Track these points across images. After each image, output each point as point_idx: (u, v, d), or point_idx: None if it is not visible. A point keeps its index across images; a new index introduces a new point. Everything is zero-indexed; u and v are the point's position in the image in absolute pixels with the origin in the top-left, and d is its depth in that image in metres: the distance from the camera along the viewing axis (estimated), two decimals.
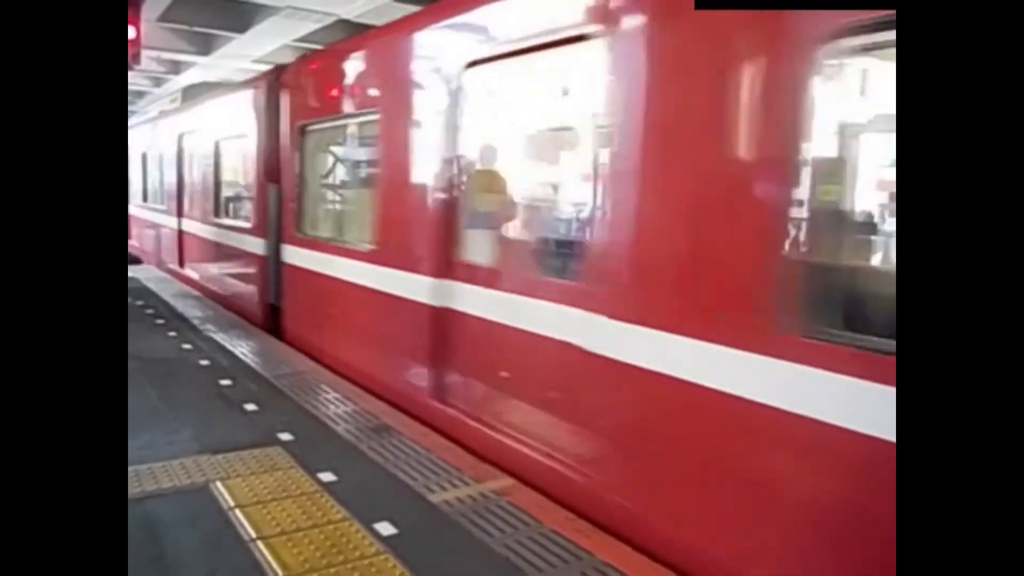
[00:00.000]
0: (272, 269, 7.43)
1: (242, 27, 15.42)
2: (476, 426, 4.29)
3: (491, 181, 4.77)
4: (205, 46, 17.61)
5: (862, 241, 4.39)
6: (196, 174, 10.23)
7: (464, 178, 4.59)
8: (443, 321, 4.57)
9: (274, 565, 2.92)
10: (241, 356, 6.36)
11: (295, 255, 6.93)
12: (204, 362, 6.11)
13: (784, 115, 2.66)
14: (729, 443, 2.89)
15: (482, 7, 4.41)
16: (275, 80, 7.42)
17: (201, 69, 19.94)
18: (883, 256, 4.45)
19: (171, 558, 2.94)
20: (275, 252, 7.35)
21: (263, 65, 15.95)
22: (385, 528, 3.24)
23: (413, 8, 5.72)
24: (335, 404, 5.04)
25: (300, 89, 7.04)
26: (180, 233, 11.13)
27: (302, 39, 15.60)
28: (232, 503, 3.44)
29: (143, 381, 5.35)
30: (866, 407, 2.33)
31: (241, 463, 3.93)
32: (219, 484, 3.64)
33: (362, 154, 6.39)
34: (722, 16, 2.85)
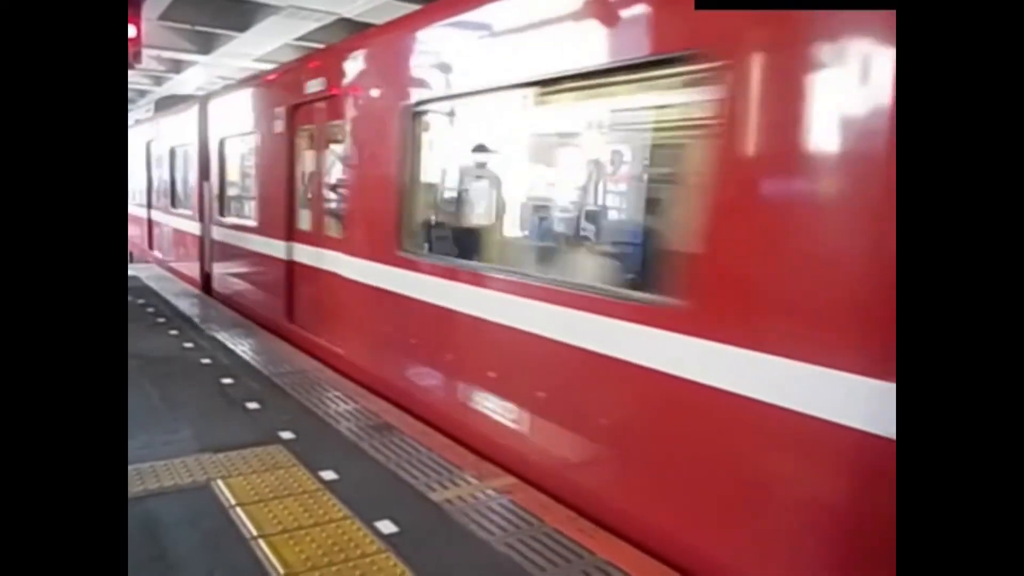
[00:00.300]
0: (208, 245, 9.78)
1: (243, 26, 15.41)
2: (303, 332, 6.91)
3: (311, 177, 6.98)
4: (206, 45, 17.60)
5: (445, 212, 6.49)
6: (162, 174, 12.46)
7: (300, 175, 7.14)
8: (289, 268, 7.16)
9: (275, 563, 2.92)
10: (242, 354, 6.36)
11: (217, 233, 9.42)
12: (205, 361, 6.11)
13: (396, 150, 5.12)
14: (364, 305, 5.73)
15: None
16: (205, 103, 9.95)
17: (202, 68, 19.95)
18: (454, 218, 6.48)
19: (172, 556, 2.94)
20: (208, 232, 9.78)
21: (265, 64, 15.99)
22: (386, 526, 3.24)
23: (414, 7, 5.71)
24: (336, 402, 5.04)
25: (218, 112, 9.54)
26: (149, 222, 13.49)
27: (303, 38, 15.60)
28: (233, 501, 3.44)
29: (144, 380, 5.35)
30: (430, 288, 4.71)
31: (242, 461, 3.93)
32: (220, 482, 3.64)
33: (253, 161, 8.43)
34: None
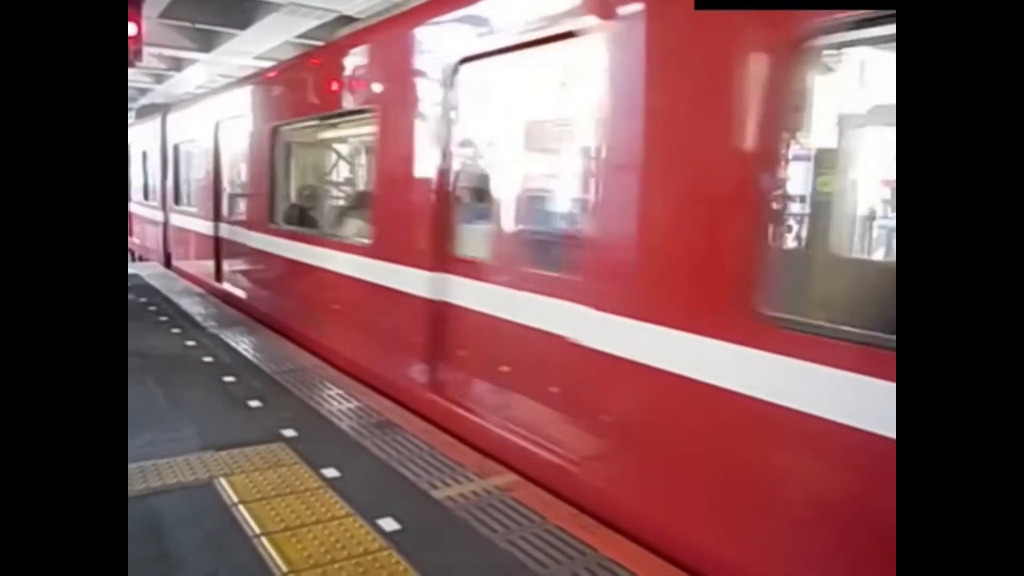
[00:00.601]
0: (171, 230, 12.11)
1: (244, 24, 15.41)
2: (227, 287, 9.06)
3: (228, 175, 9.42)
4: (207, 43, 17.59)
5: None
6: (139, 172, 14.38)
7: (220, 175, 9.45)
8: (217, 242, 9.38)
9: (278, 561, 2.92)
10: (244, 352, 6.37)
11: (175, 219, 11.83)
12: (208, 359, 6.11)
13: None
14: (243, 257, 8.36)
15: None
16: (165, 114, 12.60)
17: (203, 66, 19.93)
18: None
19: (175, 554, 2.95)
20: (167, 219, 12.28)
21: (265, 62, 15.98)
22: (388, 524, 3.24)
23: (414, 2, 5.71)
24: (338, 400, 5.04)
25: (174, 121, 12.01)
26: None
27: (303, 35, 15.58)
28: (236, 499, 3.44)
29: (147, 378, 5.36)
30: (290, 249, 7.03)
31: (245, 459, 3.93)
32: (223, 480, 3.65)
33: (199, 162, 10.54)
34: None
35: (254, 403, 4.93)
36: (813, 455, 2.62)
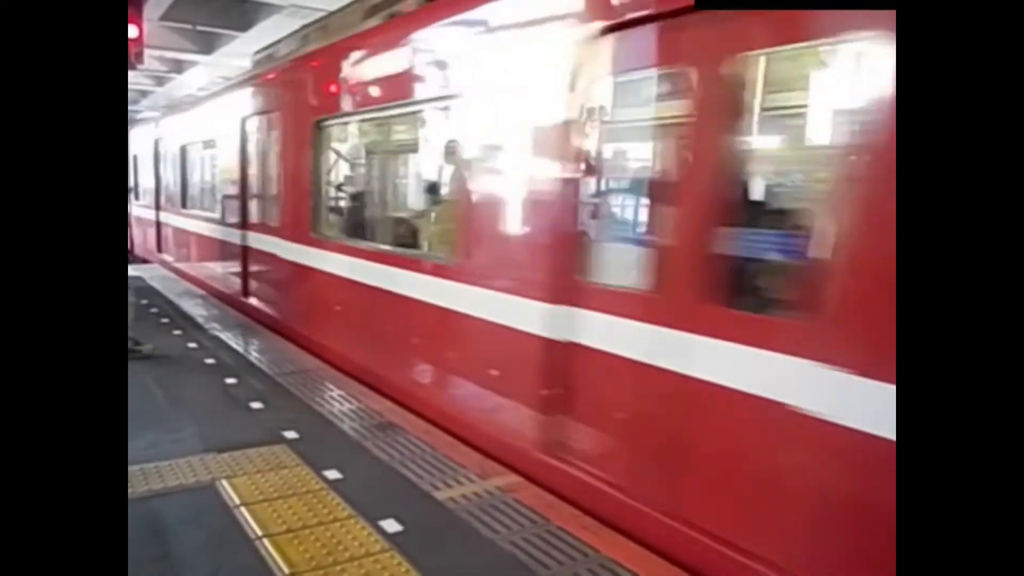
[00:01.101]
0: (157, 224, 13.22)
1: (244, 25, 15.43)
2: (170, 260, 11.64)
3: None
4: (207, 45, 17.62)
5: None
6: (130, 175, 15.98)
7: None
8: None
9: (280, 563, 2.92)
10: (246, 354, 6.37)
11: (162, 216, 12.99)
12: (209, 360, 6.12)
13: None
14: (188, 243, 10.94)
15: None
16: (159, 120, 13.73)
17: (203, 68, 19.95)
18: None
19: (176, 556, 2.95)
20: (157, 216, 13.27)
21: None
22: (391, 525, 3.24)
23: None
24: (340, 402, 5.04)
25: (166, 127, 12.98)
26: None
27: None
28: (238, 501, 3.44)
29: (149, 380, 5.36)
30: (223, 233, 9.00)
31: (247, 461, 3.93)
32: (224, 482, 3.64)
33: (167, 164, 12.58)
34: None
35: (256, 405, 4.93)
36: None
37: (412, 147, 7.26)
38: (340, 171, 7.48)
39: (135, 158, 14.53)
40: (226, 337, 7.02)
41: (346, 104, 6.03)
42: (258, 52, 9.93)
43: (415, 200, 7.20)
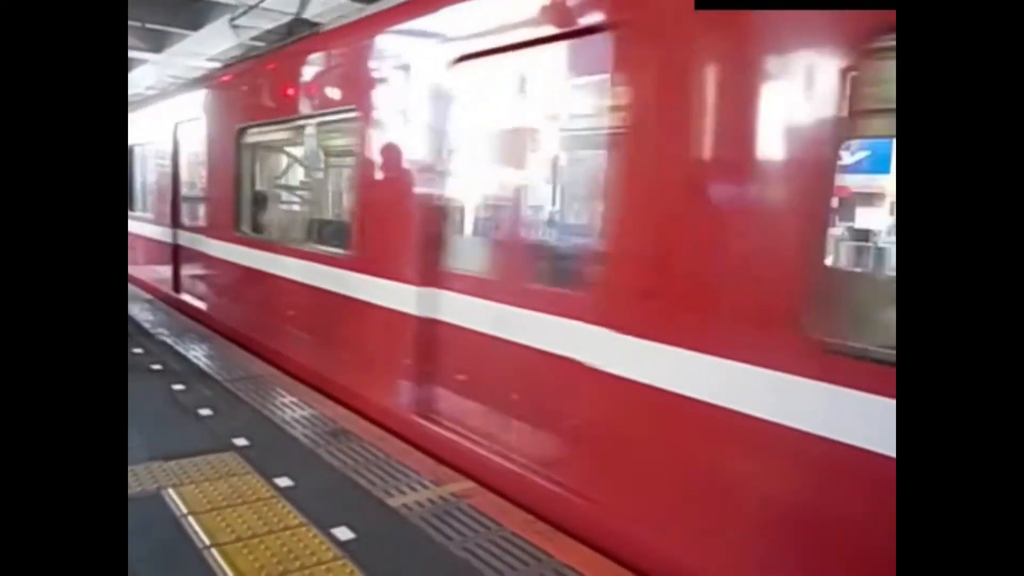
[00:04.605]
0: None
1: (196, 24, 15.15)
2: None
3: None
4: (157, 43, 17.24)
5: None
6: None
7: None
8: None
9: (229, 573, 2.86)
10: (194, 360, 6.24)
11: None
12: (156, 367, 5.97)
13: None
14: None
15: None
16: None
17: (152, 67, 19.53)
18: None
19: None
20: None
21: (217, 63, 15.70)
22: (343, 533, 3.21)
23: (370, 9, 5.66)
24: (292, 408, 4.97)
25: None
26: None
27: (257, 38, 15.36)
28: (185, 510, 3.37)
29: None
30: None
31: (195, 469, 3.84)
32: (171, 491, 3.56)
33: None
34: None
35: (205, 411, 4.83)
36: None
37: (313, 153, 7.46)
38: (262, 175, 7.94)
39: None
40: (173, 342, 6.86)
41: (261, 114, 6.90)
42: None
43: (325, 201, 7.99)
